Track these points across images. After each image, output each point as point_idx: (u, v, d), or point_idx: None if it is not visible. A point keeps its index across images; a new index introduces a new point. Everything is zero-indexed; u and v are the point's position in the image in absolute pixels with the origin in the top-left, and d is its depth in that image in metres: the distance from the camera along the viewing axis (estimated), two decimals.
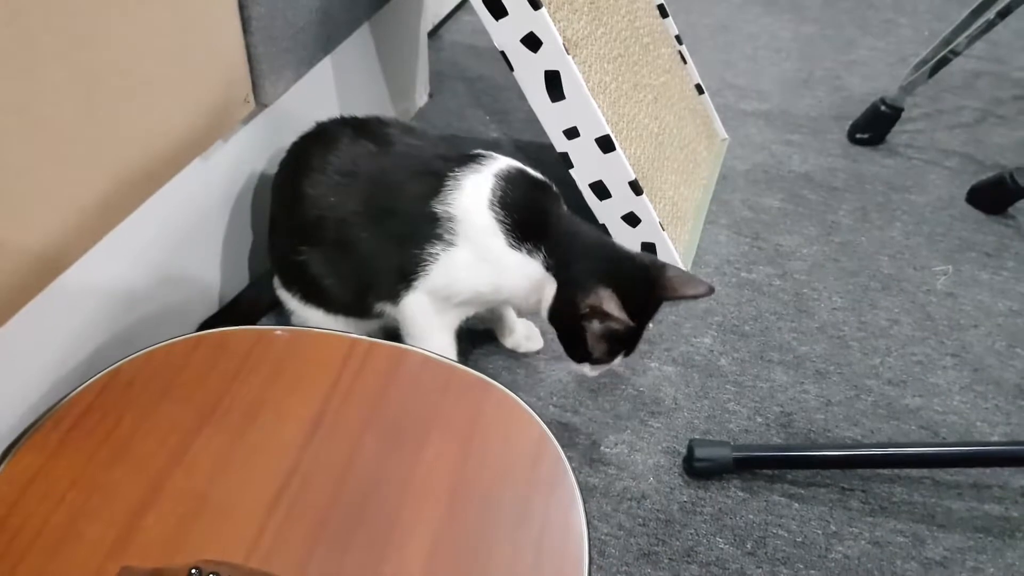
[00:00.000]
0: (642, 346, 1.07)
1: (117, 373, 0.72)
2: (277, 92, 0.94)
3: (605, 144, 1.04)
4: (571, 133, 1.04)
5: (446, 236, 0.82)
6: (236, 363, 0.74)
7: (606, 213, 1.10)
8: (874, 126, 1.46)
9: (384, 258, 0.85)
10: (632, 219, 1.09)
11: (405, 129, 0.90)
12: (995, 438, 1.00)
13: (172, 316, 0.95)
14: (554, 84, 1.00)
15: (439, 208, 0.83)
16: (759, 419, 1.00)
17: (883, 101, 1.44)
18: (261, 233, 1.07)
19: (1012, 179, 1.29)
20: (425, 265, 0.84)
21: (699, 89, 1.37)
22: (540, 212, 0.85)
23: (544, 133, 1.06)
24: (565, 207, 0.88)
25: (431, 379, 0.75)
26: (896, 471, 0.95)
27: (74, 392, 0.70)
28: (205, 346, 0.76)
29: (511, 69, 1.01)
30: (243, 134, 0.96)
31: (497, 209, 0.82)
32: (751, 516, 0.90)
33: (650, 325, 0.88)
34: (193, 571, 0.59)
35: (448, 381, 0.74)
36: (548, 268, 0.84)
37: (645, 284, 0.83)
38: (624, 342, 0.85)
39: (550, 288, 0.84)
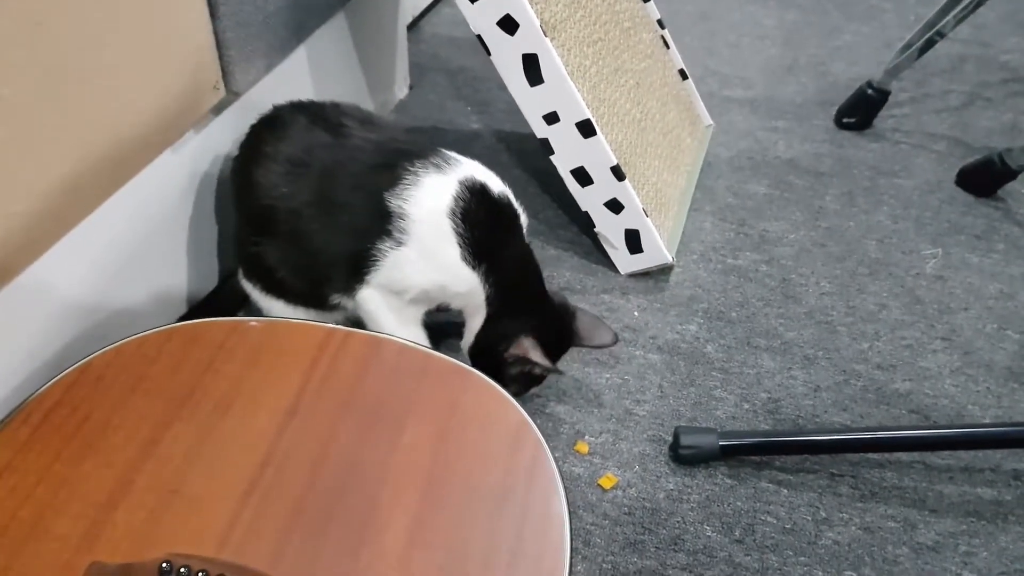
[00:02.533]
0: (626, 334, 1.06)
1: (87, 367, 0.71)
2: (248, 80, 0.92)
3: (586, 129, 1.02)
4: (551, 118, 1.03)
5: (396, 233, 0.80)
6: (209, 354, 0.73)
7: (588, 200, 1.09)
8: (860, 110, 1.45)
9: (335, 251, 0.83)
10: (615, 205, 1.08)
11: (363, 119, 0.87)
12: (986, 421, 0.99)
13: (147, 310, 0.93)
14: (532, 68, 0.99)
15: (393, 202, 0.80)
16: (746, 406, 0.98)
17: (870, 85, 1.43)
18: (233, 228, 1.06)
19: (1001, 160, 1.28)
20: (375, 261, 0.81)
21: (682, 75, 1.36)
22: (496, 235, 0.84)
23: (526, 124, 1.05)
24: (521, 228, 0.88)
25: (408, 367, 0.73)
26: (886, 455, 0.94)
27: (43, 388, 0.69)
28: (178, 338, 0.75)
29: (488, 53, 1.00)
30: (216, 125, 0.94)
31: (457, 220, 0.80)
32: (739, 503, 0.88)
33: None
34: (163, 565, 0.58)
35: (425, 369, 0.73)
36: (486, 295, 0.84)
37: (564, 332, 0.90)
38: (537, 381, 0.90)
39: (478, 317, 0.85)
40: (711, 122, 1.42)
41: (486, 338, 0.85)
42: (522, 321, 0.85)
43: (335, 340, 0.75)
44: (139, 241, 0.88)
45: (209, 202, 0.99)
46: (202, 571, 0.57)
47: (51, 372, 0.71)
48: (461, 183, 0.82)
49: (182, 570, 0.57)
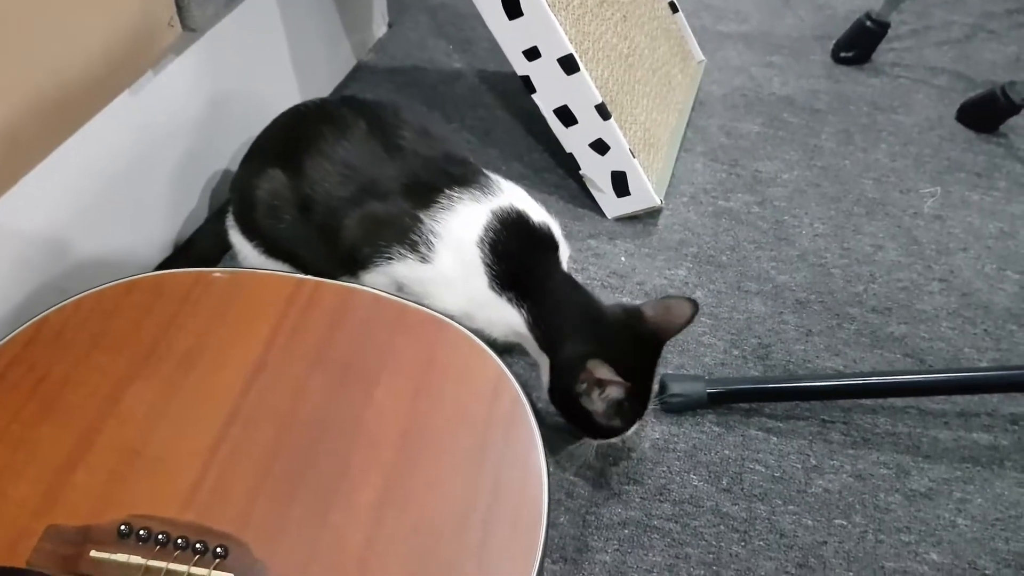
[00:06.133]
0: (613, 280, 1.03)
1: (44, 323, 0.68)
2: (207, 16, 0.86)
3: (568, 64, 0.97)
4: (531, 54, 0.98)
5: (422, 248, 0.80)
6: (172, 308, 0.70)
7: (573, 141, 1.05)
8: (859, 44, 1.40)
9: (356, 242, 0.83)
10: (600, 146, 1.03)
11: (421, 129, 0.86)
12: (983, 364, 0.96)
13: (113, 263, 0.89)
14: None
15: (426, 221, 0.80)
16: (735, 352, 0.96)
17: (868, 16, 1.37)
18: (208, 174, 1.01)
19: (1004, 95, 1.23)
20: (390, 260, 0.81)
21: (673, 7, 1.30)
22: (530, 266, 0.82)
23: (509, 63, 1.00)
24: (561, 260, 0.84)
25: (382, 318, 0.71)
26: (879, 401, 0.91)
27: None
28: (139, 291, 0.72)
29: None
30: (176, 65, 0.89)
31: (485, 250, 0.79)
32: (727, 452, 0.86)
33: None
34: (122, 527, 0.56)
35: (400, 319, 0.71)
36: (531, 330, 0.81)
37: (635, 339, 0.79)
38: (634, 405, 0.79)
39: (543, 363, 0.82)
40: (703, 58, 1.37)
41: (557, 379, 0.80)
42: (579, 347, 0.78)
43: (305, 291, 0.72)
44: (98, 189, 0.84)
45: (173, 147, 0.94)
46: (163, 532, 0.55)
47: (6, 329, 0.68)
48: (493, 214, 0.81)
49: (142, 532, 0.55)
